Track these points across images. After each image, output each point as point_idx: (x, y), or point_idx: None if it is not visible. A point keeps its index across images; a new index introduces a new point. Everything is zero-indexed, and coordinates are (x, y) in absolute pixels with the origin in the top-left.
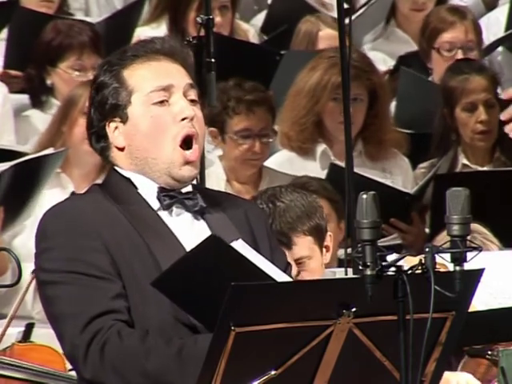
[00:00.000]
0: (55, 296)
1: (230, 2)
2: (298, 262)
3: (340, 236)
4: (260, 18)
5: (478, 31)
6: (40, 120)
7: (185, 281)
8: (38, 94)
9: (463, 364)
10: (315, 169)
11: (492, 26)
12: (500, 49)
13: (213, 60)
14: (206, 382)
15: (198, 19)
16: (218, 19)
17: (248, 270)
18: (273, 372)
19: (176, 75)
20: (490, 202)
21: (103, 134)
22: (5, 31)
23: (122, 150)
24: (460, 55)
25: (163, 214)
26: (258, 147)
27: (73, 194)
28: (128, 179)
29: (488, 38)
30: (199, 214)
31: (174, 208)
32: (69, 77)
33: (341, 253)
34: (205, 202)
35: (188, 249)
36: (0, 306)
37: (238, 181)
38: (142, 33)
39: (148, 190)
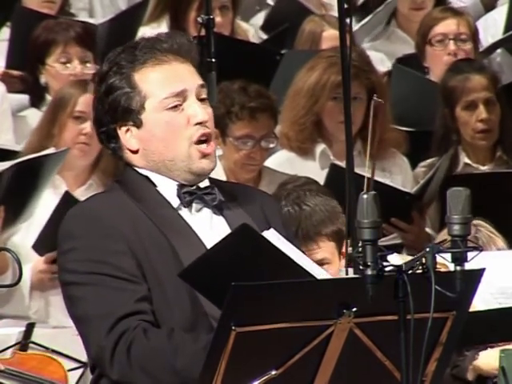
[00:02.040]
0: (79, 297)
1: (231, 2)
2: (319, 263)
3: None
4: (260, 17)
5: (471, 26)
6: (37, 119)
7: (214, 271)
8: (35, 93)
9: None
10: (315, 169)
11: (490, 28)
12: (499, 50)
13: (213, 60)
14: (206, 382)
15: (199, 19)
16: (218, 19)
17: (278, 259)
18: (273, 372)
19: (188, 78)
20: (498, 204)
21: (114, 135)
22: (7, 31)
23: (135, 152)
24: (452, 46)
25: (183, 212)
26: (257, 153)
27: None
28: (146, 177)
29: (486, 39)
30: (218, 209)
31: (193, 204)
32: (56, 72)
33: None
34: (222, 194)
35: (208, 247)
36: None
37: (238, 181)
38: (143, 33)
39: (167, 188)
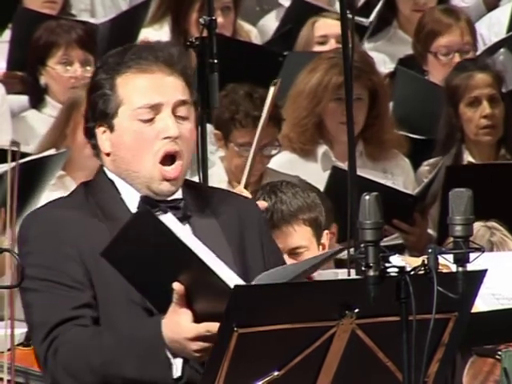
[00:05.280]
0: (29, 303)
1: (233, 3)
2: (295, 251)
3: (333, 240)
4: (268, 18)
5: (472, 32)
6: (36, 120)
7: (127, 253)
8: (35, 95)
9: (471, 363)
10: (316, 170)
11: (494, 26)
12: (502, 49)
13: (215, 61)
14: (209, 383)
15: (201, 20)
16: (220, 20)
17: (172, 244)
18: (276, 373)
19: (167, 91)
20: (500, 196)
21: (94, 133)
22: (7, 33)
23: (108, 154)
24: (457, 58)
25: None
26: (258, 161)
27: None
28: (112, 183)
29: (490, 37)
30: (186, 220)
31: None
32: (57, 74)
33: (343, 253)
34: (195, 203)
35: None
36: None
37: (239, 182)
38: (145, 34)
39: (130, 197)
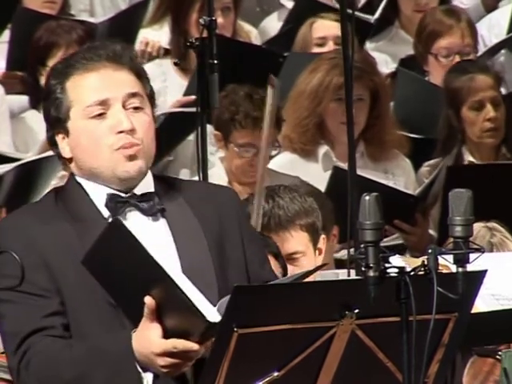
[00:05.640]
0: (1, 314)
1: (233, 4)
2: (292, 256)
3: (334, 241)
4: (271, 19)
5: (473, 33)
6: (36, 121)
7: (104, 263)
8: (35, 95)
9: (471, 363)
10: (317, 170)
11: (494, 27)
12: (503, 51)
13: (215, 62)
14: (209, 383)
15: (201, 20)
16: (220, 20)
17: (142, 258)
18: (276, 373)
19: (115, 86)
20: (501, 196)
21: (55, 141)
22: (7, 33)
23: (70, 160)
24: (457, 59)
25: None
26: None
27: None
28: (81, 186)
29: (490, 39)
30: (160, 214)
31: (126, 212)
32: None
33: (343, 253)
34: (169, 196)
35: None
36: None
37: (239, 182)
38: (145, 34)
39: (98, 197)
